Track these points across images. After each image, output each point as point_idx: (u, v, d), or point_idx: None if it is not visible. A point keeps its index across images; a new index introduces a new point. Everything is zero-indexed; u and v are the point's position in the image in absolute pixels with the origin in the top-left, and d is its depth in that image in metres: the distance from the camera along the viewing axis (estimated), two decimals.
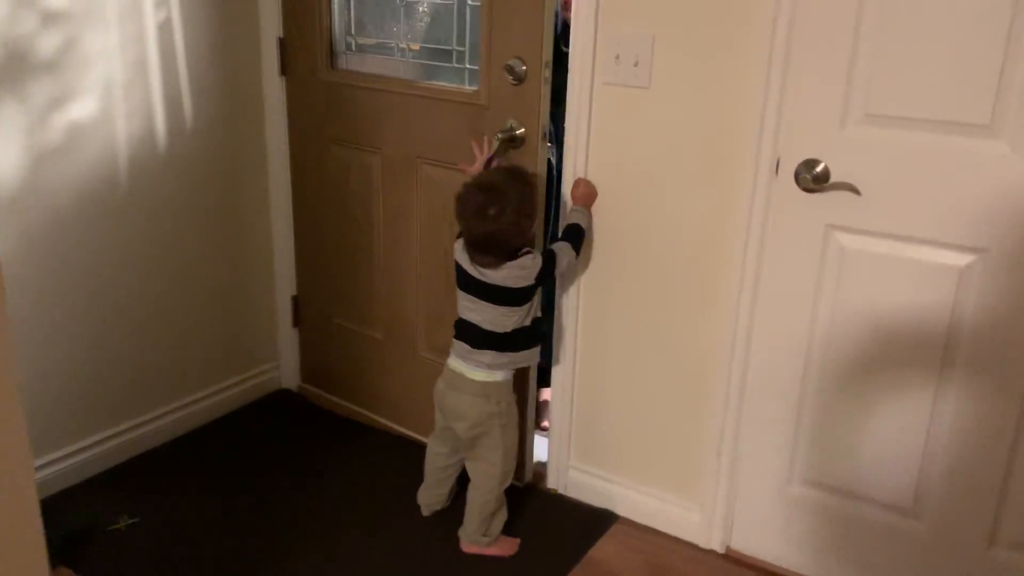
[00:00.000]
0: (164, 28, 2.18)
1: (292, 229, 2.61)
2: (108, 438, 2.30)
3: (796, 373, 1.85)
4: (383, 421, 2.55)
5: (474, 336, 1.90)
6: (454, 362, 1.95)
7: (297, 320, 2.70)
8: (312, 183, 2.50)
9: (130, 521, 2.07)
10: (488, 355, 1.90)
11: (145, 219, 2.26)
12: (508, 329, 1.89)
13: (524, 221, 1.83)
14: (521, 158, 2.00)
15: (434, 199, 2.21)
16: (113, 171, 2.16)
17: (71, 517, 2.06)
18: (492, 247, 1.82)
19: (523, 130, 1.99)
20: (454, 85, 2.17)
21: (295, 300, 2.68)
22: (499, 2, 1.95)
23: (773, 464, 1.94)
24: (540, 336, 1.97)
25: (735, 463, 1.98)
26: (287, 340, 2.73)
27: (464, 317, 1.93)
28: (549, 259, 1.88)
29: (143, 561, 1.95)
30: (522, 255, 1.85)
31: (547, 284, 1.98)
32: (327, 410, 2.66)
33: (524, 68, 1.95)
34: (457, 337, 1.94)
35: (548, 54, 1.93)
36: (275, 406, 2.69)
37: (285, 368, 2.77)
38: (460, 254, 1.90)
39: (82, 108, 2.06)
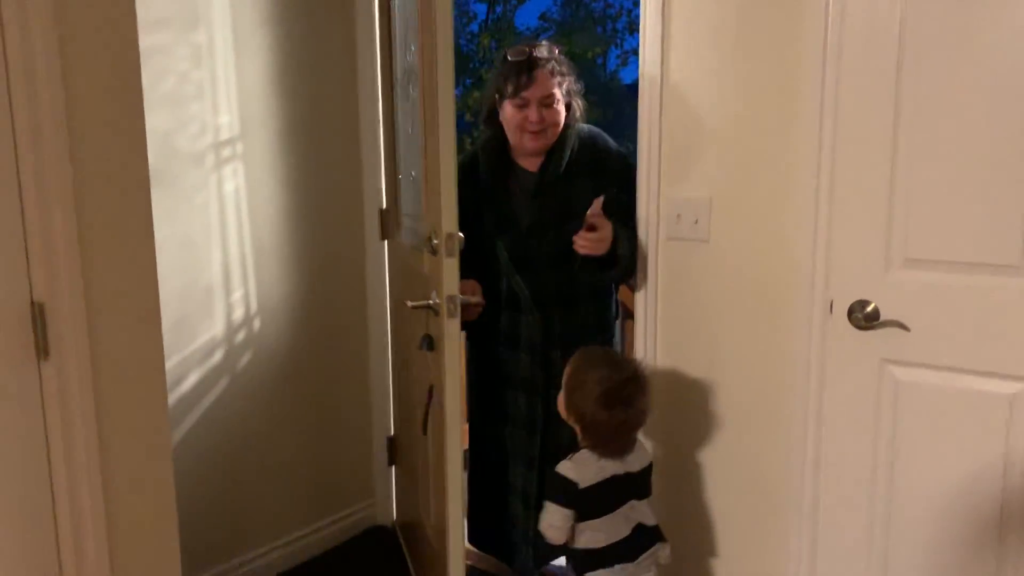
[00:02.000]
0: (292, 206, 2.55)
1: (390, 373, 2.86)
2: (218, 575, 2.50)
3: (863, 500, 1.96)
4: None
5: (643, 540, 1.88)
6: None
7: (392, 459, 2.91)
8: (398, 331, 2.77)
9: None
10: (665, 546, 1.92)
11: (254, 364, 2.54)
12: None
13: None
14: (439, 326, 1.94)
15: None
16: (226, 322, 2.47)
17: None
18: (633, 432, 1.86)
19: (437, 300, 1.94)
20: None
21: (391, 440, 2.90)
22: (429, 182, 2.00)
23: None
24: None
25: None
26: (382, 478, 2.93)
27: (616, 539, 1.84)
28: None
29: None
30: None
31: None
32: (419, 546, 2.81)
33: (436, 242, 1.92)
34: (616, 561, 1.84)
35: (451, 227, 1.86)
36: (370, 543, 2.87)
37: (380, 506, 2.96)
38: (590, 471, 1.81)
39: (208, 276, 2.40)
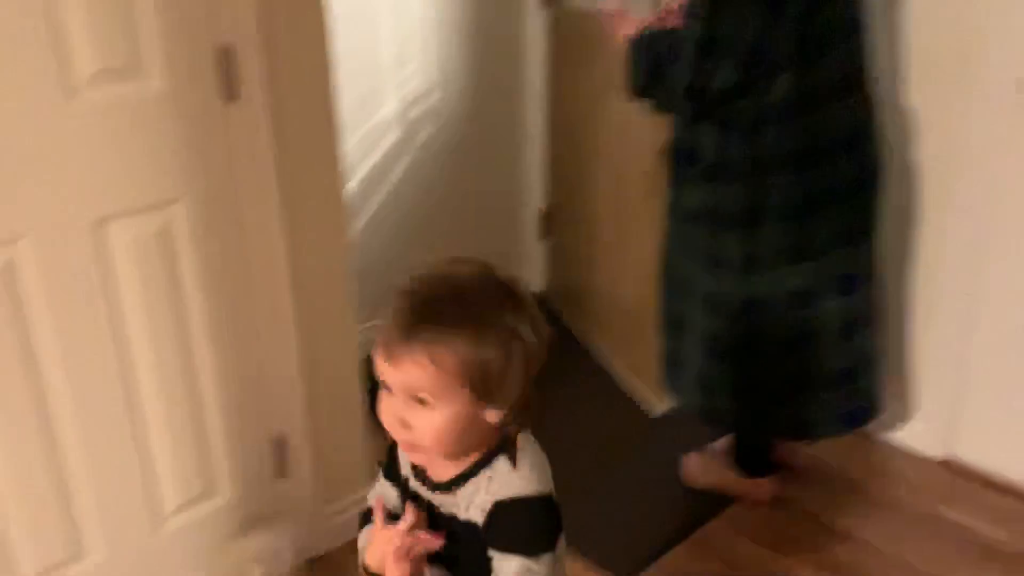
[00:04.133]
0: None
1: (546, 144, 2.88)
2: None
3: None
4: (598, 345, 2.72)
5: None
6: None
7: (544, 233, 3.00)
8: (567, 100, 2.73)
9: None
10: None
11: (417, 132, 2.62)
12: None
13: None
14: None
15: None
16: (400, 94, 2.53)
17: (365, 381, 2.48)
18: None
19: None
20: None
21: (543, 213, 2.98)
22: None
23: (1003, 371, 1.99)
24: None
25: (962, 370, 2.05)
26: (531, 252, 3.04)
27: None
28: None
29: None
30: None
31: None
32: (563, 324, 2.86)
33: None
34: None
35: None
36: None
37: (528, 277, 3.08)
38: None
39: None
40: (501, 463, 1.00)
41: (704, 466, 2.11)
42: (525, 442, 1.01)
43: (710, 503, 2.06)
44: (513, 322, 0.94)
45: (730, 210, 1.77)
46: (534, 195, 2.97)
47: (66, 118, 1.36)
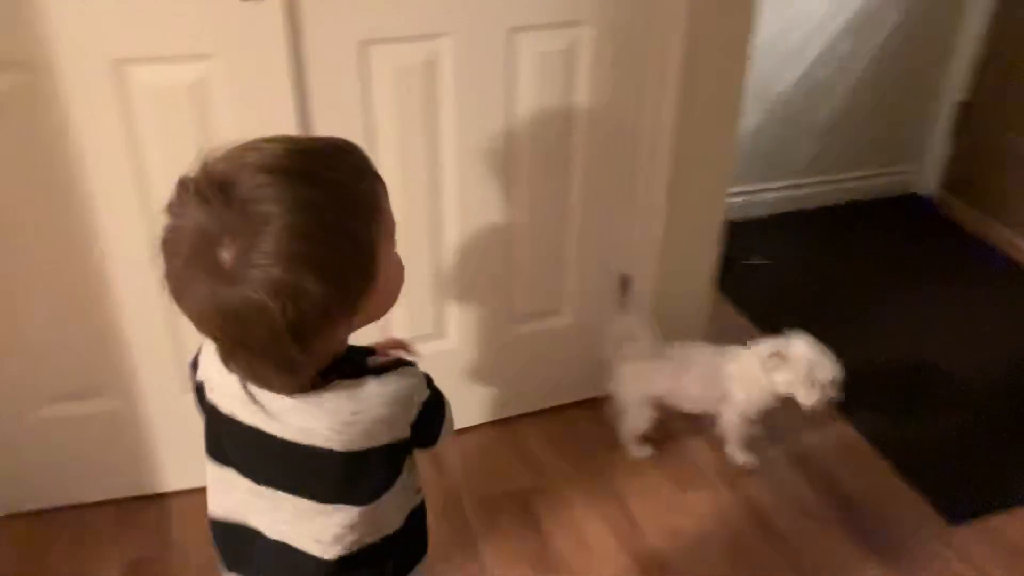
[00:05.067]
0: None
1: (985, 28, 2.51)
2: (763, 191, 2.61)
3: None
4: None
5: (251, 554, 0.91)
6: None
7: (959, 128, 2.63)
8: None
9: (763, 261, 2.40)
10: None
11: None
12: (331, 554, 0.86)
13: (346, 276, 0.75)
14: None
15: None
16: None
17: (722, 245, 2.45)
18: (266, 348, 0.74)
19: None
20: None
21: (961, 106, 2.61)
22: None
23: None
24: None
25: None
26: (936, 145, 2.71)
27: (218, 515, 0.92)
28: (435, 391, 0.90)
29: (765, 292, 2.29)
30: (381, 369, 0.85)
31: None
32: (957, 224, 2.63)
33: None
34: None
35: None
36: (903, 207, 2.74)
37: (924, 173, 2.76)
38: (212, 372, 0.85)
39: None
40: None
41: None
42: None
43: None
44: None
45: None
46: (953, 86, 2.61)
47: None
